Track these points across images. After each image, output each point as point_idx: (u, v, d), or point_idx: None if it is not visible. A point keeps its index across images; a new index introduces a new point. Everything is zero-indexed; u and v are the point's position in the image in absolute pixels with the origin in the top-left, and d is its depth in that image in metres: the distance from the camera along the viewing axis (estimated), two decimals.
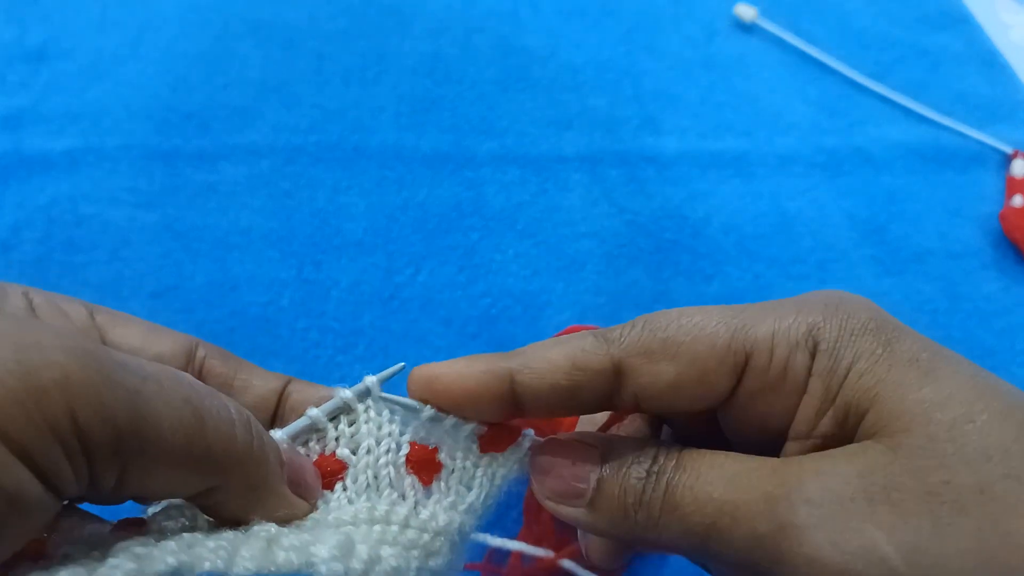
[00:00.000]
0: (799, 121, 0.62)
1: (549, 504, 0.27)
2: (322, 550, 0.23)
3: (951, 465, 0.21)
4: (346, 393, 0.28)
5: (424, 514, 0.27)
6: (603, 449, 0.27)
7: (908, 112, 0.63)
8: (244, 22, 0.65)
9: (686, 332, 0.26)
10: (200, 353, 0.30)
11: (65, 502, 0.21)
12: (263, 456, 0.24)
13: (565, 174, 0.57)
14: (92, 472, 0.20)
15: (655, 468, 0.25)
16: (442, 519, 0.27)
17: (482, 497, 0.28)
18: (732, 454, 0.25)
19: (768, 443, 0.26)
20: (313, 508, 0.27)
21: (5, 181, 0.54)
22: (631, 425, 0.31)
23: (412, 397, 0.28)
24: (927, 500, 0.21)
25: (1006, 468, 0.21)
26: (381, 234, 0.53)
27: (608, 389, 0.26)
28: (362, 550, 0.24)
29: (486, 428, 0.28)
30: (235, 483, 0.23)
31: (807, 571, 0.21)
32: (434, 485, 0.28)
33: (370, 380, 0.28)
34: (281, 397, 0.31)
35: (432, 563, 0.26)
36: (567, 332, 0.46)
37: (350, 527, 0.26)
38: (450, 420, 0.27)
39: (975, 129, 0.62)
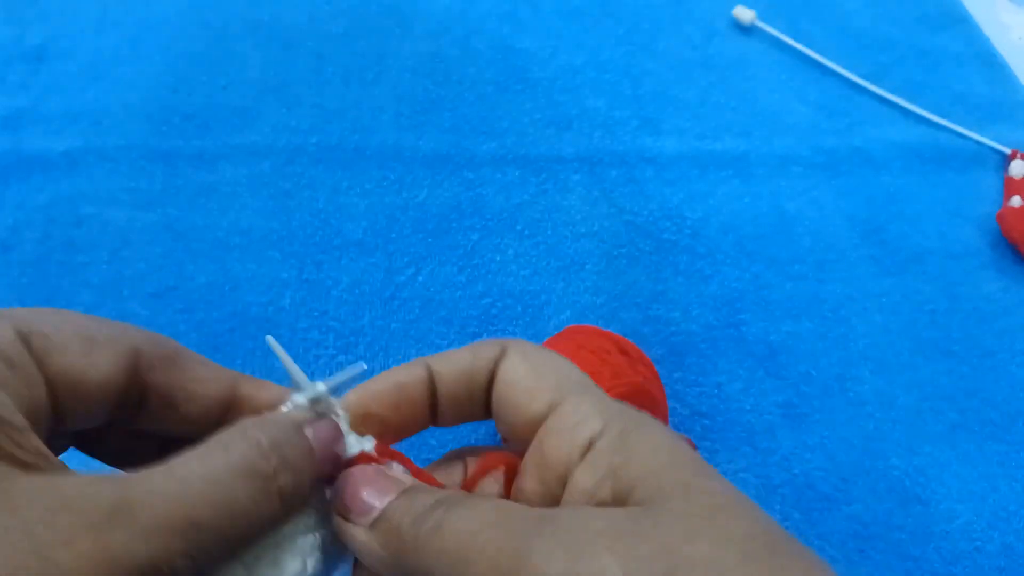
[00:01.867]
0: (798, 122, 0.62)
1: (336, 520, 0.27)
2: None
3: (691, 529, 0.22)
4: (300, 399, 0.27)
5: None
6: (407, 485, 0.26)
7: (907, 113, 0.63)
8: (244, 22, 0.65)
9: (551, 360, 0.28)
10: (143, 363, 0.27)
11: None
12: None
13: (564, 174, 0.57)
14: None
15: (440, 501, 0.25)
16: None
17: None
18: (503, 502, 0.25)
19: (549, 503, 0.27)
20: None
21: (5, 181, 0.54)
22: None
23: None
24: (659, 541, 0.22)
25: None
26: (381, 234, 0.53)
27: (490, 374, 0.28)
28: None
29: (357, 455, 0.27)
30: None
31: None
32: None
33: (321, 387, 0.27)
34: (236, 401, 0.29)
35: None
36: (567, 332, 0.46)
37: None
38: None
39: (974, 130, 0.62)
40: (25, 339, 0.23)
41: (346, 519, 0.26)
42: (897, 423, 0.47)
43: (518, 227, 0.54)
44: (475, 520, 0.24)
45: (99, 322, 0.26)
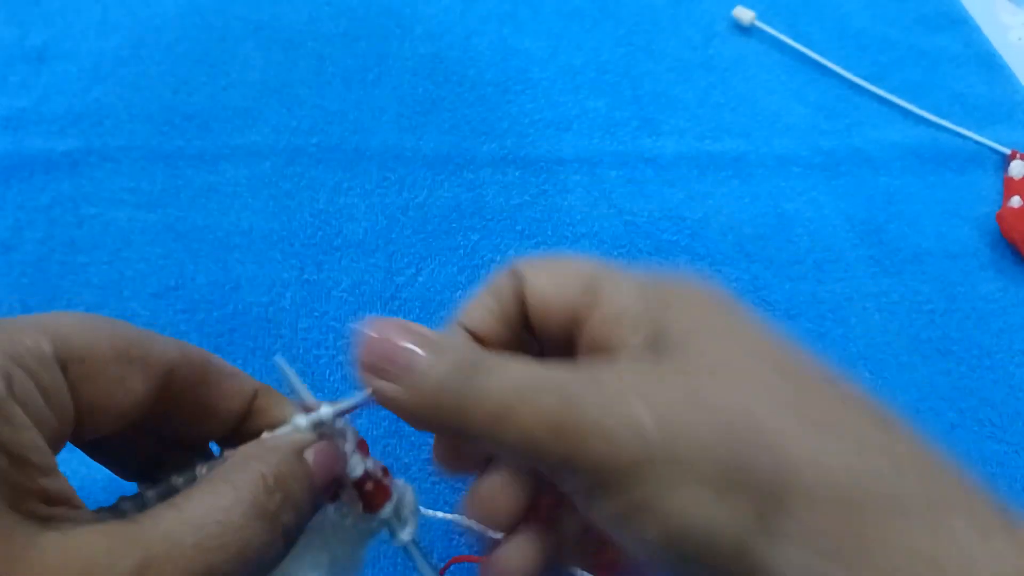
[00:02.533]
0: (797, 122, 0.63)
1: (365, 375, 0.26)
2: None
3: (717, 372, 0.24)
4: (303, 422, 0.26)
5: None
6: (435, 338, 0.26)
7: (906, 113, 0.63)
8: (245, 24, 0.65)
9: (568, 261, 0.29)
10: (173, 384, 0.26)
11: None
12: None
13: (564, 175, 0.58)
14: None
15: (472, 356, 0.25)
16: None
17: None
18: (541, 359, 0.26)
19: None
20: None
21: (6, 182, 0.54)
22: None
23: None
24: (688, 385, 0.24)
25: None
26: (382, 235, 0.53)
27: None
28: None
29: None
30: None
31: (580, 445, 0.23)
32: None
33: (326, 410, 0.26)
34: (248, 411, 0.29)
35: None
36: None
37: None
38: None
39: (973, 130, 0.62)
40: (63, 364, 0.23)
41: (376, 375, 0.25)
42: None
43: (518, 227, 0.55)
44: (518, 374, 0.24)
45: (135, 337, 0.25)
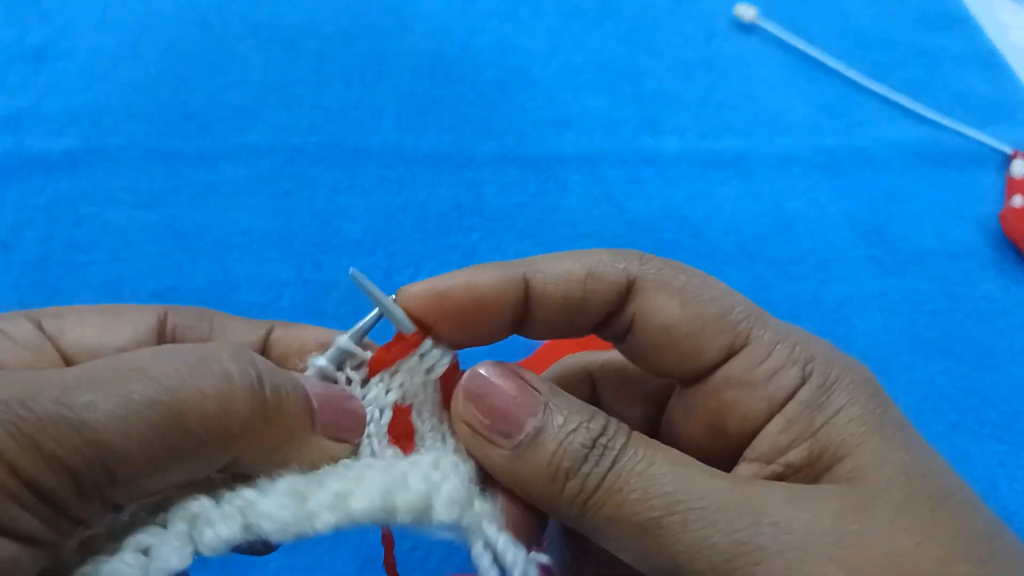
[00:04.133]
0: (799, 121, 0.62)
1: (464, 435, 0.24)
2: (360, 501, 0.22)
3: (921, 529, 0.21)
4: (343, 340, 0.26)
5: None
6: (548, 396, 0.24)
7: (907, 112, 0.63)
8: (244, 23, 0.65)
9: (705, 288, 0.25)
10: (170, 325, 0.27)
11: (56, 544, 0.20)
12: (278, 415, 0.22)
13: (565, 174, 0.57)
14: (72, 515, 0.19)
15: (603, 440, 0.23)
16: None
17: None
18: (687, 456, 0.23)
19: (715, 455, 0.24)
20: (352, 449, 0.25)
21: (6, 181, 0.54)
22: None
23: (412, 315, 0.26)
24: (882, 548, 0.21)
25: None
26: (381, 234, 0.53)
27: (613, 307, 0.25)
28: (415, 484, 0.23)
29: (446, 369, 0.26)
30: (250, 451, 0.22)
31: None
32: (414, 454, 0.26)
33: (342, 340, 0.26)
34: (265, 346, 0.28)
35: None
36: None
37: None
38: (428, 355, 0.26)
39: (974, 129, 0.62)
40: (36, 322, 0.24)
41: (478, 433, 0.24)
42: None
43: (518, 227, 0.54)
44: (673, 472, 0.22)
45: (125, 305, 0.26)
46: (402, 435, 0.26)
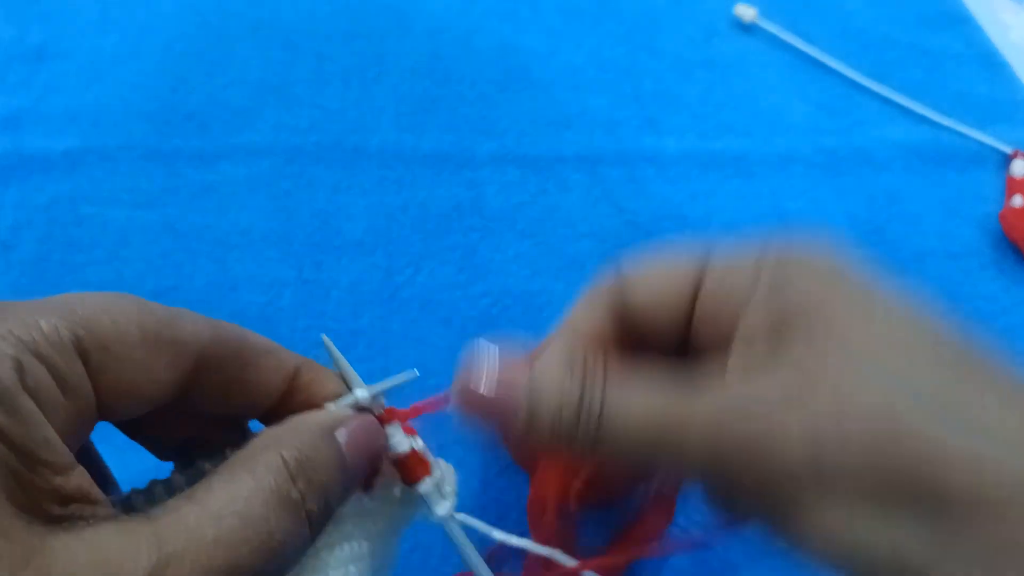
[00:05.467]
0: (799, 121, 0.62)
1: (476, 397, 0.26)
2: None
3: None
4: (363, 394, 0.27)
5: None
6: (529, 380, 0.26)
7: (908, 112, 0.63)
8: (244, 22, 0.65)
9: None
10: (205, 367, 0.25)
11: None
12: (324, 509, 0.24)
13: (565, 174, 0.57)
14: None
15: (586, 400, 0.25)
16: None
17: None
18: (659, 377, 0.25)
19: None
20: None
21: (5, 181, 0.54)
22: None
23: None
24: (828, 387, 0.23)
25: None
26: (381, 234, 0.53)
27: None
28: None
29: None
30: None
31: (746, 466, 0.23)
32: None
33: (363, 392, 0.26)
34: (290, 387, 0.28)
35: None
36: None
37: None
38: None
39: (975, 129, 0.62)
40: (84, 351, 0.22)
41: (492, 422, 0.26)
42: None
43: (518, 227, 0.54)
44: (646, 401, 0.24)
45: (164, 317, 0.24)
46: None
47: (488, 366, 0.25)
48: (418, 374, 0.28)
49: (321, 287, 0.50)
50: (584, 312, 0.28)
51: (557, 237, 0.54)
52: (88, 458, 0.27)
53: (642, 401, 0.24)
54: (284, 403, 0.27)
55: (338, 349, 0.28)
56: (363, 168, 0.56)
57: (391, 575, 0.27)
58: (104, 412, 0.23)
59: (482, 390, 0.25)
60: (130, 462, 0.27)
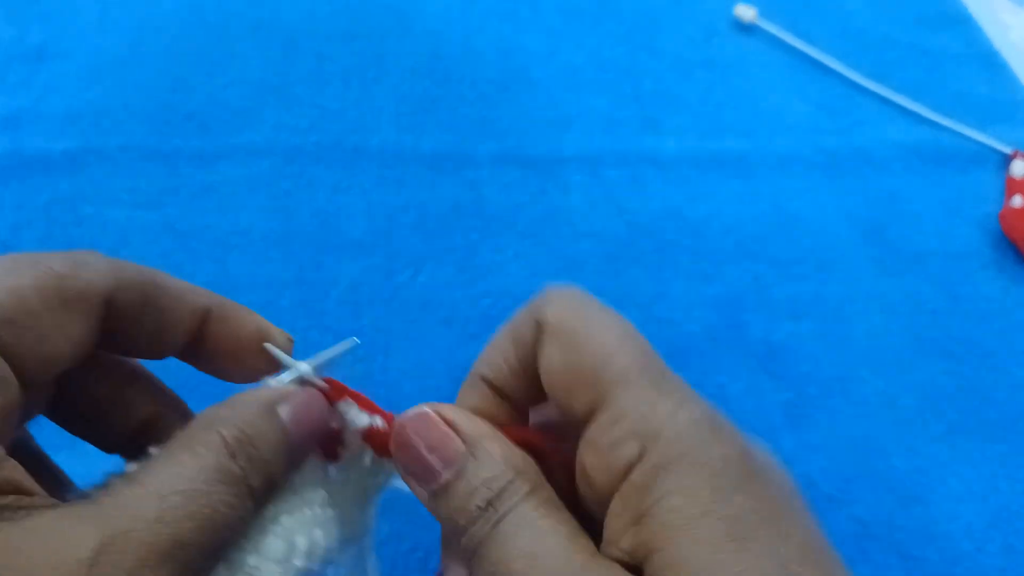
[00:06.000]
0: (799, 121, 0.62)
1: (400, 472, 0.26)
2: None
3: None
4: (282, 380, 0.26)
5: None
6: (471, 444, 0.25)
7: (908, 112, 0.63)
8: (244, 22, 0.64)
9: (594, 336, 0.25)
10: (116, 313, 0.25)
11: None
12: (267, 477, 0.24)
13: (565, 174, 0.57)
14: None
15: (497, 502, 0.23)
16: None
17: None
18: (566, 529, 0.23)
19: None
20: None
21: (5, 181, 0.54)
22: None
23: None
24: None
25: None
26: (381, 234, 0.53)
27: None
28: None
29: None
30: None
31: None
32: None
33: (304, 366, 0.26)
34: (203, 333, 0.27)
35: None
36: None
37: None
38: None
39: (975, 129, 0.62)
40: None
41: (409, 475, 0.25)
42: (898, 423, 0.47)
43: (518, 227, 0.54)
44: (532, 544, 0.22)
45: (63, 270, 0.23)
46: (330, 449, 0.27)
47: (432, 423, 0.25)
48: (358, 341, 0.28)
49: (321, 287, 0.50)
50: (496, 356, 0.27)
51: (557, 237, 0.54)
52: (33, 460, 0.27)
53: (545, 536, 0.23)
54: (203, 343, 0.27)
55: (336, 346, 0.28)
56: (363, 168, 0.56)
57: (371, 542, 0.28)
58: (26, 384, 0.22)
59: (417, 441, 0.25)
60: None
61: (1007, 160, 0.60)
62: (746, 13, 0.68)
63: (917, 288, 0.54)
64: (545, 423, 0.29)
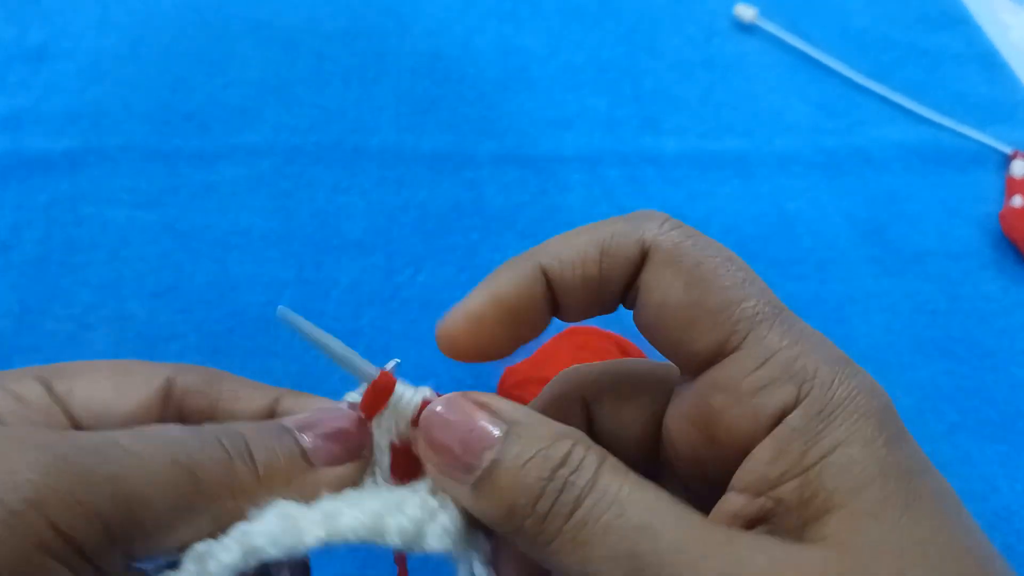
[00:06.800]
0: (799, 121, 0.62)
1: (432, 474, 0.23)
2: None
3: None
4: (353, 396, 0.27)
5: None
6: (511, 423, 0.22)
7: (908, 112, 0.63)
8: (244, 22, 0.65)
9: (720, 273, 0.22)
10: (178, 388, 0.26)
11: None
12: (269, 478, 0.23)
13: (565, 174, 0.57)
14: (97, 564, 0.20)
15: (564, 472, 0.20)
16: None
17: None
18: (664, 496, 0.20)
19: (711, 468, 0.22)
20: (359, 474, 0.25)
21: (5, 181, 0.54)
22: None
23: (458, 346, 0.26)
24: None
25: None
26: (381, 234, 0.53)
27: (630, 280, 0.24)
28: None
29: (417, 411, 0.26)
30: (258, 502, 0.23)
31: None
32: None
33: (351, 397, 0.27)
34: (273, 416, 0.28)
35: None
36: (567, 332, 0.46)
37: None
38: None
39: (975, 129, 0.62)
40: (47, 383, 0.24)
41: (443, 473, 0.23)
42: None
43: (518, 227, 0.54)
44: (643, 518, 0.19)
45: (134, 361, 0.26)
46: (407, 473, 0.26)
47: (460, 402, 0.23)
48: (399, 361, 0.28)
49: (321, 287, 0.50)
50: (509, 276, 0.25)
51: None
52: None
53: (645, 505, 0.20)
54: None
55: (301, 318, 0.27)
56: (363, 168, 0.56)
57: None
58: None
59: (448, 415, 0.22)
60: None
61: (1007, 160, 0.60)
62: (746, 13, 0.68)
63: (917, 288, 0.54)
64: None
